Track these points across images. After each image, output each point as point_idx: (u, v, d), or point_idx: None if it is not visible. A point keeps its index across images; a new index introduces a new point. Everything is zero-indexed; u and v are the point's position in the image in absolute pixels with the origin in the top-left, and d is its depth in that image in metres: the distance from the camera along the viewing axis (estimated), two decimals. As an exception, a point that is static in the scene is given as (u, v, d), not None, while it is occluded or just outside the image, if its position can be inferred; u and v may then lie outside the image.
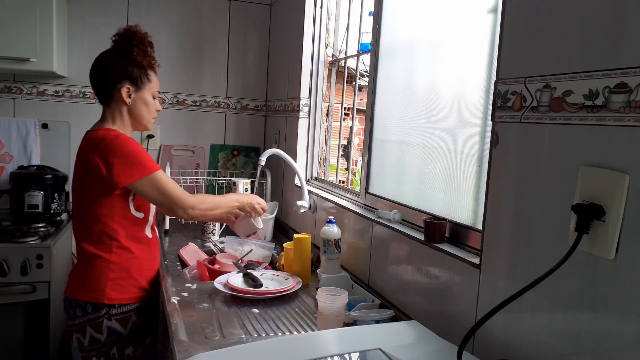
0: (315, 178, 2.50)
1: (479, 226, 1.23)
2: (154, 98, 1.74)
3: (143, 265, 1.70)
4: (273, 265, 2.12)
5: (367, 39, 1.95)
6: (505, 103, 1.10)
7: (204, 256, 2.17)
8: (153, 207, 1.75)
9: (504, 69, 1.11)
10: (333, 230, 1.73)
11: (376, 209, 1.73)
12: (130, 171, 1.56)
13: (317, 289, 1.50)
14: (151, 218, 1.75)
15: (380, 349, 1.07)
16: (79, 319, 1.62)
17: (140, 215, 1.68)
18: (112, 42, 1.70)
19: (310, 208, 2.25)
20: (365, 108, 1.93)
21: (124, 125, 1.70)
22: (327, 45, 2.45)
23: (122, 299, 1.64)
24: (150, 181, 1.59)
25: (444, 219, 1.39)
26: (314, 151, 2.51)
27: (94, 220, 1.62)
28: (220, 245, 2.32)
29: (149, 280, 1.73)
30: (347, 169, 2.61)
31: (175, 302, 1.60)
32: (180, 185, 2.80)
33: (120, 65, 1.66)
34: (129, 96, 1.67)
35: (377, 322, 1.39)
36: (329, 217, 1.77)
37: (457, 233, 1.37)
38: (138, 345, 1.69)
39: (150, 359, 1.76)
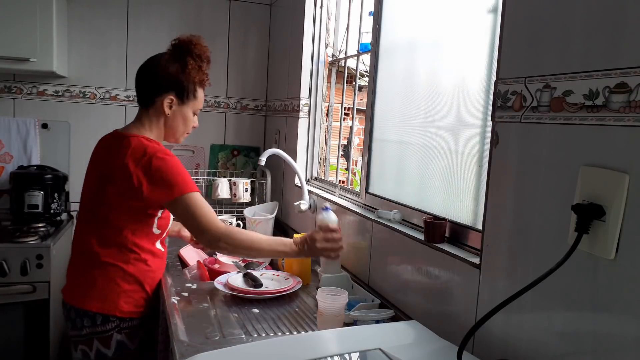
0: (315, 178, 2.50)
1: (479, 226, 1.23)
2: (194, 114, 1.69)
3: (155, 278, 1.66)
4: (273, 265, 2.12)
5: (367, 39, 1.95)
6: (505, 103, 1.10)
7: (204, 256, 2.16)
8: (170, 224, 1.70)
9: (504, 69, 1.11)
10: (330, 218, 1.72)
11: (376, 209, 1.73)
12: (165, 192, 1.49)
13: (317, 289, 1.50)
14: (165, 234, 1.69)
15: (380, 349, 1.07)
16: (86, 330, 1.54)
17: (159, 231, 1.64)
18: (171, 45, 1.63)
19: (310, 208, 2.25)
20: (365, 108, 1.93)
21: (158, 133, 1.64)
22: (327, 45, 2.45)
23: (133, 313, 1.58)
24: (182, 202, 1.50)
25: (444, 219, 1.39)
26: (314, 151, 2.51)
27: (115, 228, 1.55)
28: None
29: (153, 291, 1.67)
30: (347, 169, 2.61)
31: (175, 302, 1.60)
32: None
33: (172, 75, 1.59)
34: (170, 108, 1.61)
35: (377, 322, 1.39)
36: (324, 204, 1.74)
37: (457, 233, 1.37)
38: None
39: None
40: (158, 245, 1.67)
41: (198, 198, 1.53)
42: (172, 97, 1.60)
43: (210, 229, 1.50)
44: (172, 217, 1.70)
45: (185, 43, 1.61)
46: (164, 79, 1.59)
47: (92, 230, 1.59)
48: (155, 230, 1.63)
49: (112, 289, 1.55)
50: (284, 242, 1.56)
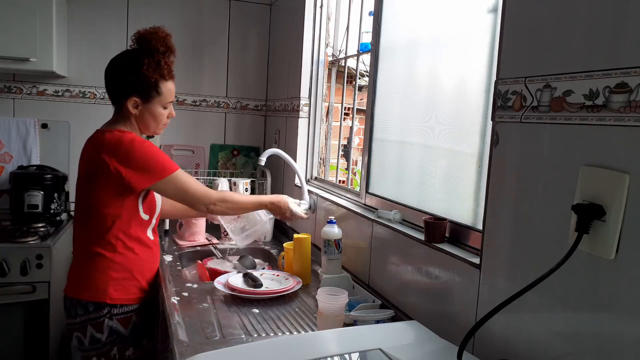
0: (315, 178, 2.50)
1: (479, 226, 1.23)
2: (165, 108, 1.72)
3: (144, 267, 1.70)
4: (273, 265, 2.11)
5: (367, 38, 1.95)
6: (505, 103, 1.10)
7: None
8: (157, 210, 1.75)
9: (504, 68, 1.11)
10: (333, 231, 1.73)
11: (376, 209, 1.73)
12: (149, 176, 1.58)
13: (317, 289, 1.50)
14: (154, 221, 1.75)
15: (380, 349, 1.07)
16: (80, 318, 1.62)
17: (147, 217, 1.69)
18: (132, 41, 1.67)
19: (310, 208, 2.25)
20: (365, 108, 1.93)
21: (132, 127, 1.69)
22: (327, 45, 2.45)
23: (124, 299, 1.64)
24: (169, 182, 1.62)
25: (444, 219, 1.39)
26: (314, 151, 2.51)
27: (102, 219, 1.61)
28: (221, 247, 2.32)
29: (149, 282, 1.73)
30: (347, 169, 2.61)
31: (175, 302, 1.60)
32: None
33: (129, 79, 1.62)
34: (136, 107, 1.66)
35: (377, 322, 1.39)
36: (330, 217, 1.77)
37: (457, 233, 1.37)
38: (137, 346, 1.69)
39: None
40: (149, 233, 1.73)
41: (182, 175, 1.65)
42: (136, 99, 1.65)
43: (203, 197, 1.69)
44: (158, 203, 1.76)
45: (141, 39, 1.65)
46: (123, 84, 1.64)
47: (84, 226, 1.66)
48: (144, 216, 1.68)
49: (101, 278, 1.62)
50: (262, 203, 1.87)
